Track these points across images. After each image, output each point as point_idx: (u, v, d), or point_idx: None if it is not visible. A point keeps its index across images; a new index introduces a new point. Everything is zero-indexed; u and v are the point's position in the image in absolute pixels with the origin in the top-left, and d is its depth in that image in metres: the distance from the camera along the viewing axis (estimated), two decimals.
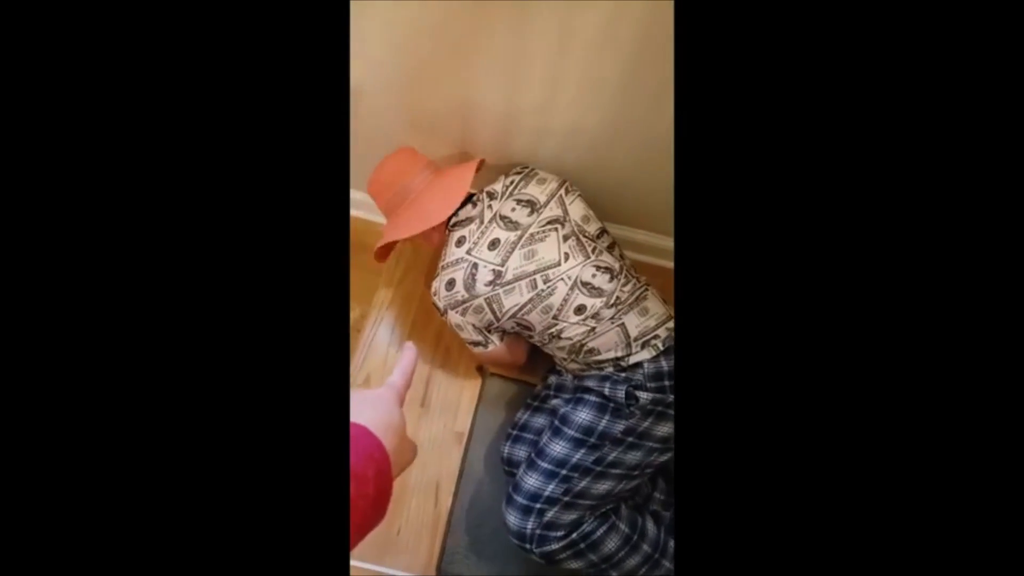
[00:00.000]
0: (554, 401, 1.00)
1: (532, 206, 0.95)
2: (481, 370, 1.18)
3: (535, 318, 0.92)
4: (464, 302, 0.93)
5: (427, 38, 0.87)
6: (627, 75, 0.86)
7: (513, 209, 0.95)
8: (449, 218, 0.98)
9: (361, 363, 1.17)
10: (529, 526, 0.89)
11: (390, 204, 1.02)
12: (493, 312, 0.93)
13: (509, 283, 0.90)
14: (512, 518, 0.91)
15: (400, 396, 0.45)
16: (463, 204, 0.99)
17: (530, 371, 1.16)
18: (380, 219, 1.36)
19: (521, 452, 1.02)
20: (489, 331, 0.97)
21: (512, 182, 0.99)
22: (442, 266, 0.96)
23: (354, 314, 1.25)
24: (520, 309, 0.91)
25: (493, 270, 0.91)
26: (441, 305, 0.96)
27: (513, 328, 0.97)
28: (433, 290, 0.96)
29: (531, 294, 0.90)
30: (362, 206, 1.33)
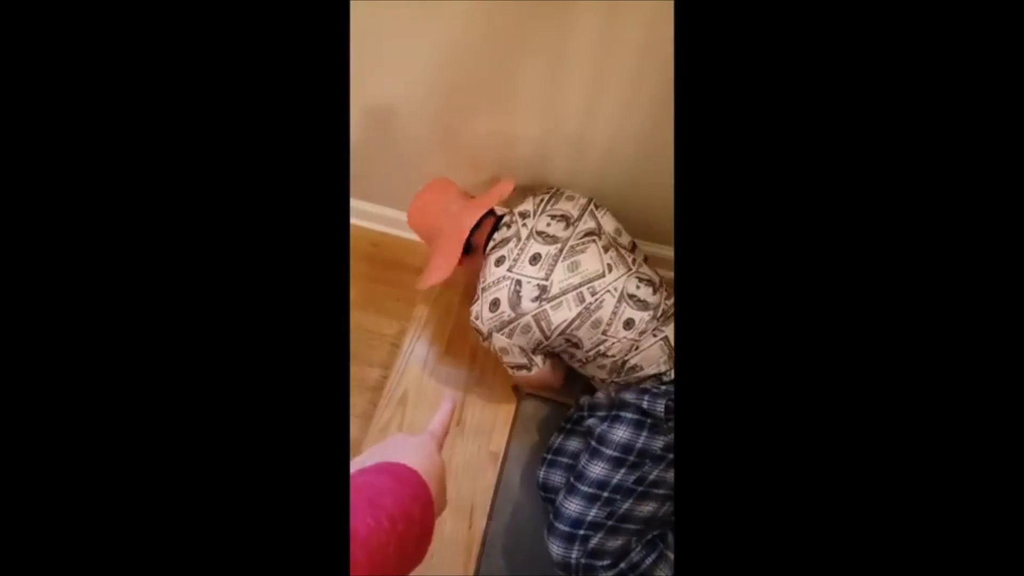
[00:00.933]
0: (589, 421, 0.97)
1: (567, 220, 0.93)
2: (516, 390, 1.17)
3: (584, 334, 0.88)
4: (511, 322, 0.89)
5: (467, 56, 0.87)
6: (664, 94, 0.84)
7: (548, 224, 0.93)
8: (485, 245, 0.97)
9: (399, 379, 1.18)
10: (574, 555, 0.86)
11: (428, 240, 1.02)
12: (542, 330, 0.89)
13: (556, 297, 0.87)
14: (555, 547, 0.88)
15: (439, 444, 0.46)
16: (495, 228, 0.97)
17: (566, 392, 1.13)
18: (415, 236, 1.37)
19: (557, 477, 1.00)
20: (535, 352, 0.94)
21: (542, 200, 0.98)
22: (482, 288, 0.92)
23: (392, 330, 1.26)
24: (569, 325, 0.87)
25: (538, 285, 0.87)
26: (485, 328, 0.92)
27: (562, 346, 0.94)
28: (474, 315, 0.93)
29: (579, 308, 0.87)
30: (405, 226, 1.34)
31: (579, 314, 0.87)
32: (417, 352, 1.21)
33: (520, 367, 0.97)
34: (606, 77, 0.84)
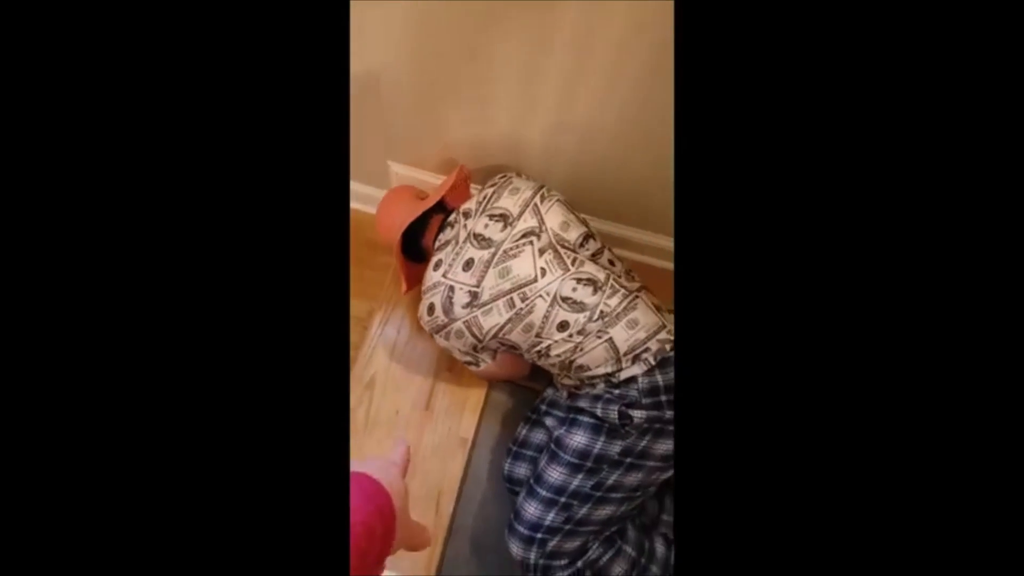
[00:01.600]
0: (548, 421, 0.97)
1: (505, 220, 0.91)
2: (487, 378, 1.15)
3: (518, 337, 0.89)
4: (444, 326, 0.91)
5: (447, 31, 0.83)
6: (648, 70, 0.80)
7: (486, 226, 0.91)
8: (433, 246, 0.98)
9: (367, 363, 1.15)
10: (532, 557, 0.87)
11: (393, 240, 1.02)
12: (474, 334, 0.90)
13: (486, 303, 0.87)
14: (515, 547, 0.89)
15: (402, 472, 0.45)
16: (441, 228, 0.98)
17: (536, 377, 1.12)
18: None
19: (521, 469, 0.99)
20: (476, 351, 0.95)
21: (485, 196, 0.95)
22: (423, 291, 0.94)
23: (362, 311, 1.23)
24: (500, 329, 0.88)
25: (469, 291, 0.88)
26: (426, 329, 0.95)
27: (500, 348, 0.94)
28: (419, 313, 0.95)
29: (509, 313, 0.87)
30: (370, 201, 1.30)
31: (510, 319, 0.87)
32: (386, 335, 1.19)
33: (467, 363, 0.99)
34: (590, 48, 0.79)
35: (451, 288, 0.89)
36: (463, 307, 0.88)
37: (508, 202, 0.92)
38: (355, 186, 1.28)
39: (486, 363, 0.97)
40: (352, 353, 1.18)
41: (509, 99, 0.92)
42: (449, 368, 1.15)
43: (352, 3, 0.81)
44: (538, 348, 0.89)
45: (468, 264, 0.89)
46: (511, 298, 0.87)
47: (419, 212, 0.98)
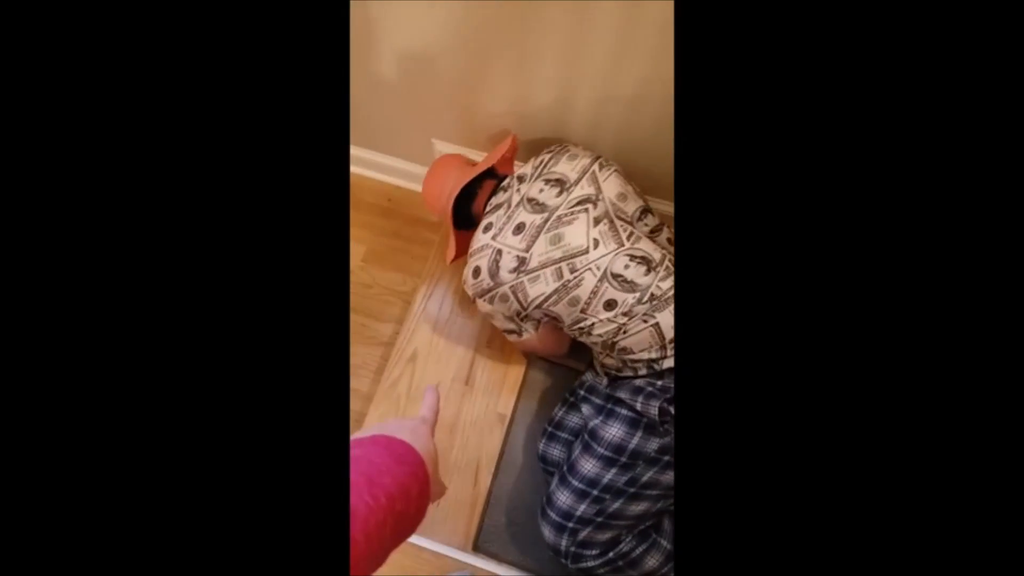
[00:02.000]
0: (585, 409, 0.95)
1: (561, 185, 0.87)
2: (526, 352, 1.16)
3: (562, 310, 0.86)
4: (490, 290, 0.88)
5: (489, 7, 0.81)
6: None
7: (541, 190, 0.88)
8: (484, 210, 0.95)
9: (409, 337, 1.18)
10: (563, 543, 0.87)
11: (443, 211, 1.01)
12: (519, 301, 0.87)
13: (534, 271, 0.84)
14: (547, 532, 0.89)
15: (431, 429, 0.47)
16: (493, 193, 0.95)
17: (576, 356, 1.12)
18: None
19: (556, 451, 0.99)
20: (520, 319, 0.92)
21: (542, 162, 0.92)
22: (470, 253, 0.92)
23: (407, 287, 1.25)
24: (546, 300, 0.85)
25: (517, 256, 0.85)
26: (470, 293, 0.93)
27: (543, 319, 0.92)
28: (463, 278, 0.94)
29: (556, 284, 0.83)
30: (421, 180, 1.30)
31: (556, 290, 0.84)
32: (428, 310, 1.20)
33: (509, 331, 0.97)
34: (633, 26, 0.77)
35: (499, 252, 0.86)
36: (510, 272, 0.86)
37: (566, 167, 0.89)
38: (399, 163, 1.29)
39: (529, 333, 0.94)
40: (396, 327, 1.21)
41: (555, 69, 0.90)
42: (489, 344, 1.16)
43: None
44: (581, 325, 0.86)
45: (519, 228, 0.86)
46: (559, 268, 0.83)
47: (472, 175, 0.96)
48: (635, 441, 0.83)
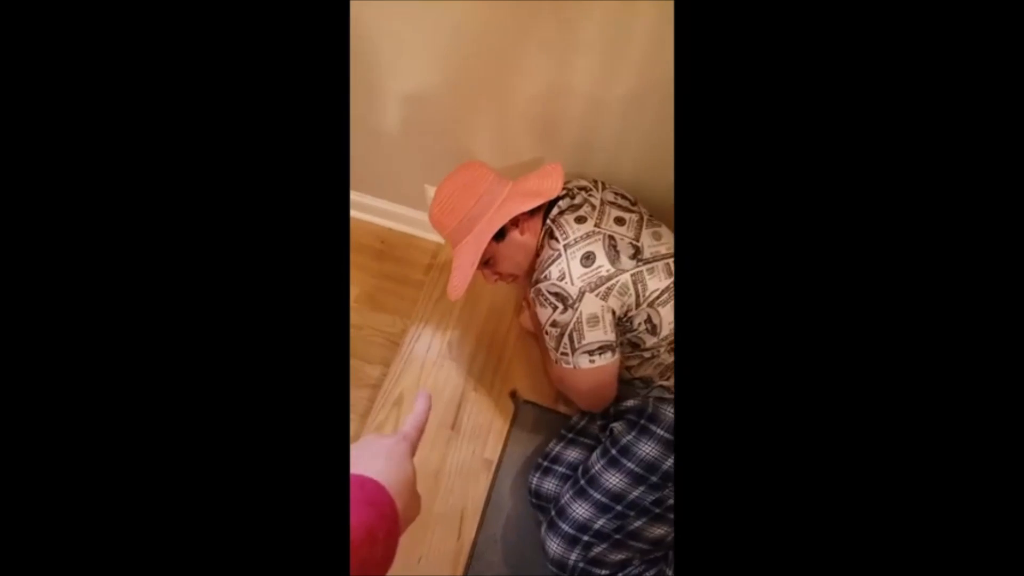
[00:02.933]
0: (615, 425, 0.87)
1: (629, 200, 0.86)
2: (514, 396, 1.14)
3: (665, 315, 0.78)
4: (609, 278, 0.74)
5: (476, 52, 0.84)
6: None
7: (615, 198, 0.85)
8: (545, 217, 0.85)
9: (396, 380, 1.16)
10: (572, 557, 0.82)
11: (453, 228, 0.86)
12: (637, 294, 0.76)
13: (649, 261, 0.76)
14: (554, 545, 0.83)
15: (412, 448, 0.43)
16: (553, 202, 0.85)
17: (566, 400, 1.10)
18: (430, 236, 1.35)
19: (550, 485, 0.96)
20: (613, 332, 0.79)
21: (593, 181, 0.90)
22: (564, 245, 0.77)
23: (395, 328, 1.25)
24: (659, 296, 0.76)
25: (631, 244, 0.76)
26: (575, 290, 0.75)
27: (634, 333, 0.82)
28: (557, 275, 0.76)
29: (668, 281, 0.76)
30: (413, 223, 1.32)
31: (668, 287, 0.76)
32: (416, 352, 1.19)
33: (604, 347, 0.78)
34: (662, 51, 0.75)
35: (611, 237, 0.76)
36: (630, 257, 0.76)
37: (620, 190, 0.88)
38: (392, 206, 1.31)
39: (617, 355, 0.80)
40: (383, 370, 1.19)
41: (535, 118, 0.93)
42: (476, 388, 1.15)
43: (390, 30, 0.85)
44: (671, 337, 0.79)
45: (620, 220, 0.79)
46: (669, 263, 0.77)
47: (540, 202, 0.82)
48: (669, 462, 0.79)
